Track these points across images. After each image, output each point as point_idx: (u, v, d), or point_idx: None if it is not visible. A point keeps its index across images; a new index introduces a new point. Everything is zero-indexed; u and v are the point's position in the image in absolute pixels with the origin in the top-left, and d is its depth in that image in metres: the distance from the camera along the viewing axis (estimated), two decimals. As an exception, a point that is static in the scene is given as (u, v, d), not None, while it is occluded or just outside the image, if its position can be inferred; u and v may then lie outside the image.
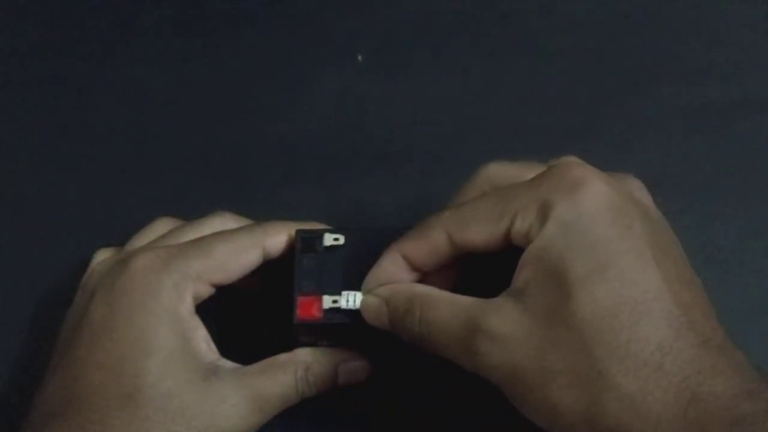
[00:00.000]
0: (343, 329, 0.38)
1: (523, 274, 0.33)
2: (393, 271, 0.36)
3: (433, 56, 0.52)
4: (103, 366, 0.36)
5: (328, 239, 0.39)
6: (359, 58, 0.52)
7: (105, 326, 0.37)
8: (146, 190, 0.48)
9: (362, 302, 0.37)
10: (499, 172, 0.37)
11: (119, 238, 0.43)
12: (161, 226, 0.42)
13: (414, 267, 0.36)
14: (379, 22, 0.53)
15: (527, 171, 0.36)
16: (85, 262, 0.42)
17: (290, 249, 0.39)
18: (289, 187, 0.48)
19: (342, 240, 0.39)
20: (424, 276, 0.37)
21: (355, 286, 0.37)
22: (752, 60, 0.51)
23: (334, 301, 0.37)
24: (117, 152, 0.49)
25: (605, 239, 0.32)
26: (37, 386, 0.38)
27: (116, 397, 0.35)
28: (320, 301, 0.37)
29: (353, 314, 0.37)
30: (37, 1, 0.54)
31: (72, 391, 0.36)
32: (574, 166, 0.34)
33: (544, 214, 0.33)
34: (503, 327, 0.32)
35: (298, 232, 0.39)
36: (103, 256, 0.42)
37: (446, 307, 0.34)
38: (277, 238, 0.40)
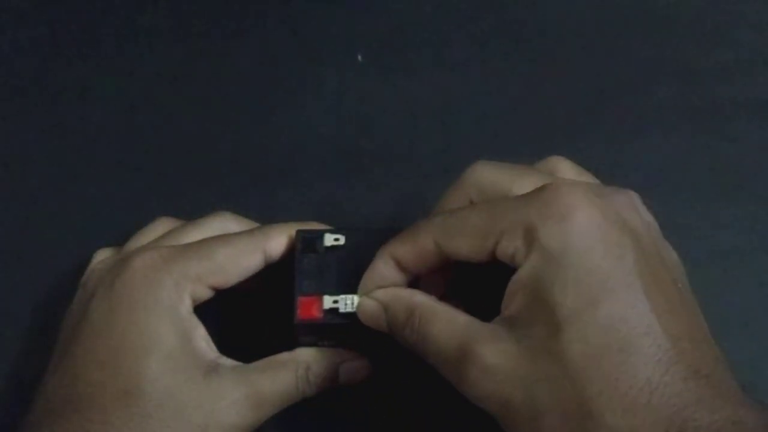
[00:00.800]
0: (344, 329, 0.38)
1: (514, 303, 0.33)
2: (386, 274, 0.36)
3: (433, 56, 0.52)
4: (103, 364, 0.36)
5: (329, 239, 0.39)
6: (359, 58, 0.52)
7: (105, 324, 0.37)
8: (146, 190, 0.48)
9: (359, 305, 0.37)
10: (486, 176, 0.37)
11: (119, 238, 0.43)
12: (161, 226, 0.43)
13: (404, 270, 0.36)
14: (379, 22, 0.53)
15: (515, 178, 0.36)
16: (85, 262, 0.42)
17: (291, 250, 0.39)
18: (289, 187, 0.48)
19: (342, 240, 0.39)
20: (417, 278, 0.37)
21: (356, 287, 0.37)
22: (753, 60, 0.51)
23: (335, 302, 0.37)
24: (117, 152, 0.49)
25: (595, 273, 0.31)
26: (38, 386, 0.38)
27: (116, 394, 0.35)
28: (321, 301, 0.37)
29: (353, 315, 0.37)
30: (37, 1, 0.54)
31: (72, 390, 0.36)
32: (564, 191, 0.33)
33: (530, 240, 0.32)
34: (494, 358, 0.32)
35: (299, 232, 0.39)
36: (103, 256, 0.42)
37: (444, 324, 0.34)
38: (277, 240, 0.40)
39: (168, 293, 0.37)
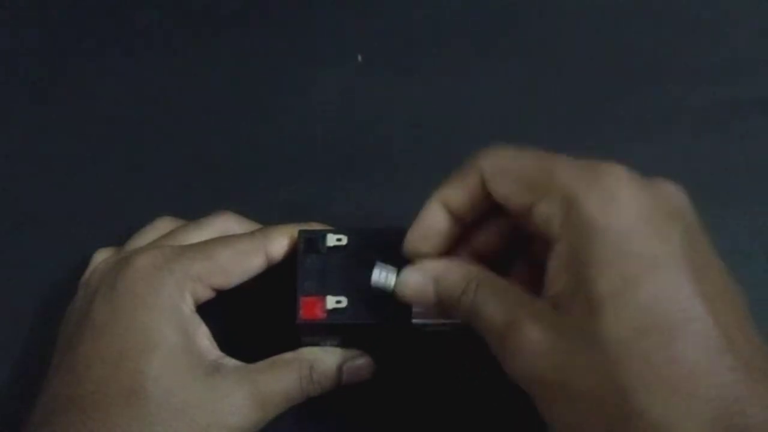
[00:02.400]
0: (346, 329, 0.38)
1: (556, 280, 0.32)
2: (436, 221, 0.36)
3: (433, 56, 0.52)
4: (105, 362, 0.36)
5: (331, 240, 0.38)
6: (359, 58, 0.52)
7: (107, 323, 0.37)
8: (146, 190, 0.48)
9: (402, 277, 0.36)
10: (501, 164, 0.35)
11: (119, 238, 0.43)
12: (162, 225, 0.43)
13: (454, 215, 0.35)
14: (379, 22, 0.53)
15: (534, 163, 0.34)
16: (85, 262, 0.42)
17: (293, 250, 0.39)
18: (289, 187, 0.48)
19: (345, 240, 0.39)
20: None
21: (358, 287, 0.37)
22: (753, 60, 0.51)
23: (338, 302, 0.37)
24: (117, 152, 0.49)
25: (638, 253, 0.30)
26: (38, 386, 0.38)
27: (118, 393, 0.35)
28: (323, 301, 0.37)
29: (356, 314, 0.37)
30: (37, 1, 0.53)
31: (75, 389, 0.36)
32: (618, 169, 0.32)
33: (568, 208, 0.31)
34: (534, 335, 0.31)
35: (301, 232, 0.39)
36: (103, 256, 0.42)
37: (497, 295, 0.33)
38: (279, 242, 0.40)
39: (170, 292, 0.37)
